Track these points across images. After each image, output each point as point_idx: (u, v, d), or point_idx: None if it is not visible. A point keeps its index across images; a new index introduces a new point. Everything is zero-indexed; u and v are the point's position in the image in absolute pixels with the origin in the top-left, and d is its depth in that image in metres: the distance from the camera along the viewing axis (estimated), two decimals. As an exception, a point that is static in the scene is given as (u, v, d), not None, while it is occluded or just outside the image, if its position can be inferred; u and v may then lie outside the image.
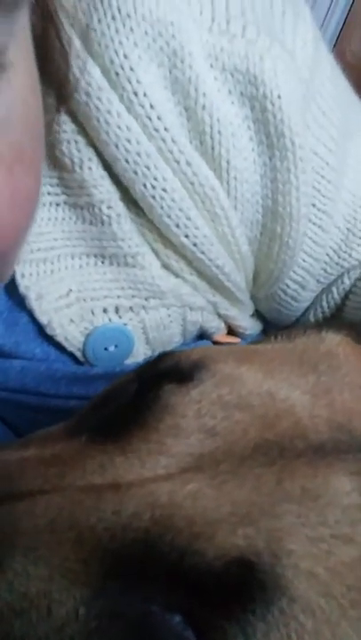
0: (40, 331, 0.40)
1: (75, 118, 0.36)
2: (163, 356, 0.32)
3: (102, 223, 0.39)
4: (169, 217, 0.39)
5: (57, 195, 0.38)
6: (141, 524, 0.24)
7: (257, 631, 0.22)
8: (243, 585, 0.23)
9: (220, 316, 0.47)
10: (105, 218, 0.39)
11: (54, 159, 0.37)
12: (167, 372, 0.29)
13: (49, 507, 0.25)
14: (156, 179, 0.37)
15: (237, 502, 0.24)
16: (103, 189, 0.38)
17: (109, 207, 0.38)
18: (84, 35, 0.34)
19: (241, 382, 0.29)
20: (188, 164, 0.38)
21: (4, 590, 0.23)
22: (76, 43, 0.34)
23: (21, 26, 0.26)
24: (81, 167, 0.37)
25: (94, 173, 0.37)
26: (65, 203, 0.39)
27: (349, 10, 1.53)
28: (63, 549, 0.24)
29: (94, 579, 0.24)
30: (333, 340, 0.34)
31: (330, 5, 1.56)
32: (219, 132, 0.38)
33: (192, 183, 0.38)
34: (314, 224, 0.44)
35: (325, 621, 0.23)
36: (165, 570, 0.23)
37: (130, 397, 0.30)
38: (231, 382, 0.28)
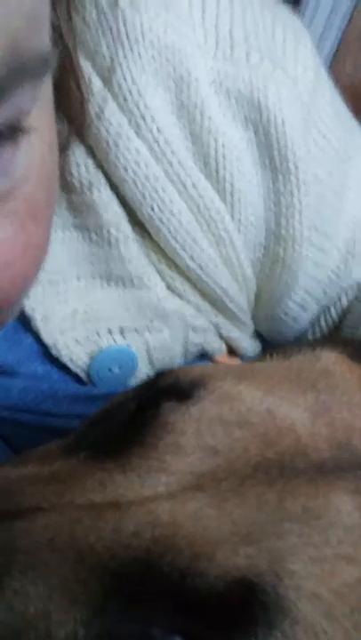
0: (44, 351, 0.41)
1: (84, 141, 0.37)
2: (162, 374, 0.32)
3: (110, 245, 0.39)
4: (175, 239, 0.39)
5: (65, 217, 0.39)
6: (142, 543, 0.24)
7: None
8: (245, 606, 0.23)
9: (221, 337, 0.47)
10: (113, 240, 0.39)
11: (63, 181, 0.38)
12: (166, 390, 0.29)
13: (48, 525, 0.24)
14: (163, 201, 0.38)
15: (239, 521, 0.24)
16: (112, 211, 0.39)
17: (117, 229, 0.39)
18: (93, 59, 0.35)
19: (240, 400, 0.29)
20: (194, 186, 0.38)
21: (2, 610, 0.23)
22: (88, 68, 0.35)
23: (46, 87, 0.26)
24: (90, 189, 0.38)
25: (103, 195, 0.38)
26: (72, 225, 0.39)
27: (342, 35, 1.56)
28: (62, 568, 0.24)
29: (94, 598, 0.23)
30: (329, 358, 0.34)
31: (323, 30, 1.59)
32: (223, 156, 0.38)
33: (198, 206, 0.39)
34: (315, 246, 0.44)
35: None
36: (166, 590, 0.23)
37: (128, 415, 0.30)
38: (231, 400, 0.28)
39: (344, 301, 0.49)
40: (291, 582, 0.23)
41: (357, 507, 0.26)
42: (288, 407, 0.29)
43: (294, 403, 0.29)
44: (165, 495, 0.25)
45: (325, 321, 0.50)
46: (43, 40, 0.23)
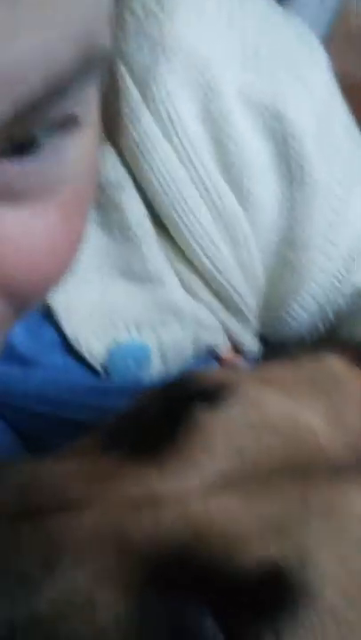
0: (63, 343, 0.42)
1: (115, 143, 0.38)
2: (187, 375, 0.34)
3: (132, 243, 0.41)
4: (195, 240, 0.41)
5: (89, 214, 0.40)
6: (178, 535, 0.26)
7: (285, 637, 0.24)
8: (275, 594, 0.25)
9: (228, 334, 0.49)
10: (135, 239, 0.41)
11: None
12: (196, 392, 0.31)
13: (92, 519, 0.26)
14: (186, 202, 0.40)
15: (266, 514, 0.27)
16: (137, 211, 0.40)
17: (141, 229, 0.41)
18: (130, 67, 0.36)
19: (265, 405, 0.31)
20: (215, 189, 0.40)
21: (54, 596, 0.25)
22: (125, 76, 0.36)
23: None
24: (117, 189, 0.39)
25: (128, 194, 0.39)
26: (96, 222, 0.40)
27: (330, 34, 1.58)
28: (107, 559, 0.26)
29: (135, 587, 0.26)
30: (335, 364, 0.37)
31: (310, 28, 1.60)
32: (243, 162, 0.40)
33: (217, 208, 0.41)
34: (323, 253, 0.47)
35: (351, 631, 0.25)
36: (200, 576, 0.25)
37: (159, 414, 0.32)
38: (257, 404, 0.31)
39: (343, 305, 0.52)
40: (316, 572, 0.25)
41: None
42: (307, 412, 0.31)
43: (312, 408, 0.32)
44: (198, 492, 0.27)
45: (323, 323, 0.52)
46: (108, 35, 0.24)
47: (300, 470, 0.29)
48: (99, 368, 0.43)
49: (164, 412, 0.31)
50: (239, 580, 0.25)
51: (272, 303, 0.49)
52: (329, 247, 0.46)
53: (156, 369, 0.46)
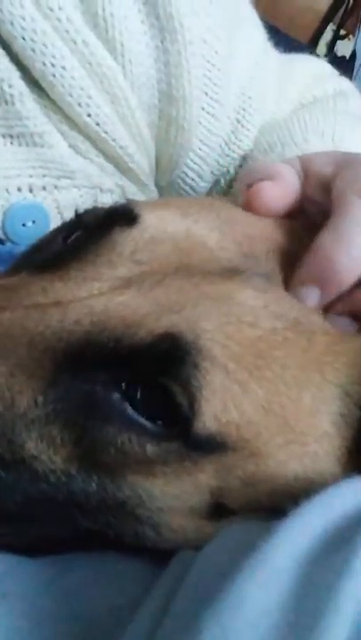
0: None
1: None
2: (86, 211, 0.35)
3: (6, 102, 0.41)
4: (70, 95, 0.42)
5: None
6: (82, 327, 0.28)
7: (192, 387, 0.27)
8: (172, 353, 0.28)
9: (127, 198, 0.51)
10: (7, 97, 0.41)
11: None
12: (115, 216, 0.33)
13: (2, 320, 0.28)
14: (54, 57, 0.40)
15: (162, 301, 0.29)
16: (2, 67, 0.40)
17: (10, 86, 0.41)
18: None
19: (164, 222, 0.33)
20: (85, 43, 0.41)
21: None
22: None
23: None
24: None
25: None
26: None
27: None
28: (19, 350, 0.28)
29: (48, 372, 0.28)
30: (217, 200, 0.41)
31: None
32: (111, 15, 0.41)
33: (90, 63, 0.42)
34: (207, 113, 0.48)
35: (235, 380, 0.29)
36: (105, 355, 0.28)
37: (60, 244, 0.34)
38: (156, 223, 0.33)
39: (232, 172, 0.54)
40: (206, 336, 0.28)
41: (259, 296, 0.32)
42: (200, 226, 0.34)
43: (205, 223, 0.34)
44: (98, 294, 0.30)
45: (217, 192, 0.55)
46: None
47: (195, 271, 0.31)
48: None
49: (86, 236, 0.33)
50: (138, 347, 0.28)
51: (165, 166, 0.51)
52: (214, 106, 0.48)
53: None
